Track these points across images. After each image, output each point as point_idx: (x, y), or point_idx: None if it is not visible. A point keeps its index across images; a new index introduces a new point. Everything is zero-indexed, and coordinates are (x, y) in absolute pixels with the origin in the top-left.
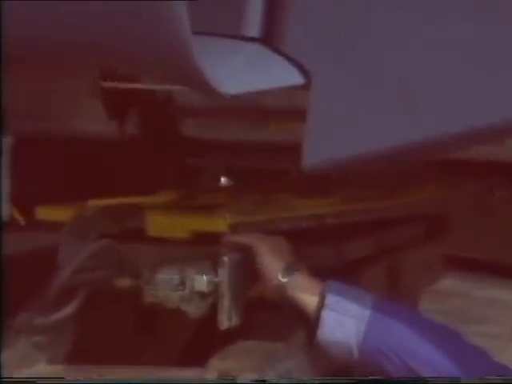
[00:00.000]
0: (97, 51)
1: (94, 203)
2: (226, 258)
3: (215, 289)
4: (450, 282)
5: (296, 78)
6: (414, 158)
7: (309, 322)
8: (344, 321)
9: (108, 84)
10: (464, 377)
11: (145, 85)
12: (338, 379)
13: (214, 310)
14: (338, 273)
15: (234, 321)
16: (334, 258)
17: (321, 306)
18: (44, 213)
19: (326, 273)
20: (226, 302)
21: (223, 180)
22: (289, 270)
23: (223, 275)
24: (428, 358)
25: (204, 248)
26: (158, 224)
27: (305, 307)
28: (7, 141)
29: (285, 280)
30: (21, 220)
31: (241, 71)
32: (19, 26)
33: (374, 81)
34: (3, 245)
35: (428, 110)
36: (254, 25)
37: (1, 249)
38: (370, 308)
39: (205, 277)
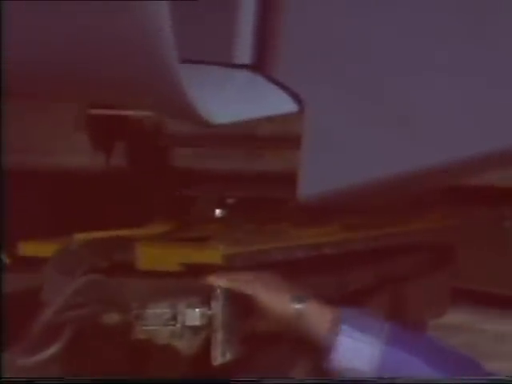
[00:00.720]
0: (82, 80)
1: (81, 236)
2: (219, 290)
3: (208, 323)
4: (457, 316)
5: (290, 106)
6: (416, 185)
7: (321, 349)
8: (360, 347)
9: (95, 111)
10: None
11: (133, 112)
12: (337, 379)
13: (207, 345)
14: (338, 305)
15: (229, 356)
16: (334, 289)
17: (336, 331)
18: (28, 248)
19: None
20: (219, 337)
21: (218, 212)
22: (300, 297)
23: (217, 308)
24: None
25: (196, 281)
26: (149, 256)
27: (318, 334)
28: None
29: (299, 306)
30: (5, 258)
31: (232, 100)
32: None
33: (372, 107)
34: None
35: (431, 135)
36: (244, 51)
37: None
38: (385, 338)
39: (197, 310)
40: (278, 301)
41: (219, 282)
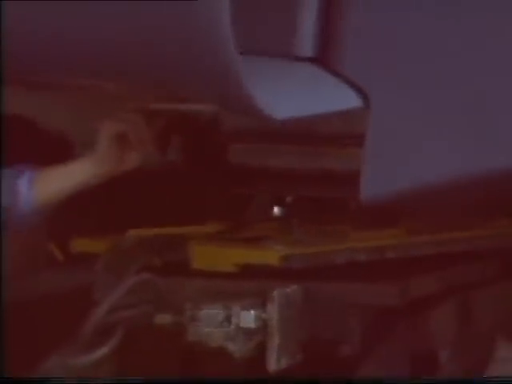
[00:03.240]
0: (145, 73)
1: (134, 234)
2: (275, 293)
3: (263, 326)
4: None
5: (353, 101)
6: (486, 188)
7: None
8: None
9: (154, 106)
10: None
11: (191, 106)
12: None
13: (262, 350)
14: (402, 312)
15: (285, 362)
16: (397, 295)
17: None
18: (81, 245)
19: (388, 312)
20: (275, 341)
21: (275, 210)
22: None
23: (272, 311)
24: None
25: (252, 282)
26: (203, 256)
27: None
28: None
29: None
30: (58, 255)
31: (293, 94)
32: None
33: (440, 106)
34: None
35: (502, 137)
36: (307, 44)
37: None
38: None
39: (252, 312)
40: None
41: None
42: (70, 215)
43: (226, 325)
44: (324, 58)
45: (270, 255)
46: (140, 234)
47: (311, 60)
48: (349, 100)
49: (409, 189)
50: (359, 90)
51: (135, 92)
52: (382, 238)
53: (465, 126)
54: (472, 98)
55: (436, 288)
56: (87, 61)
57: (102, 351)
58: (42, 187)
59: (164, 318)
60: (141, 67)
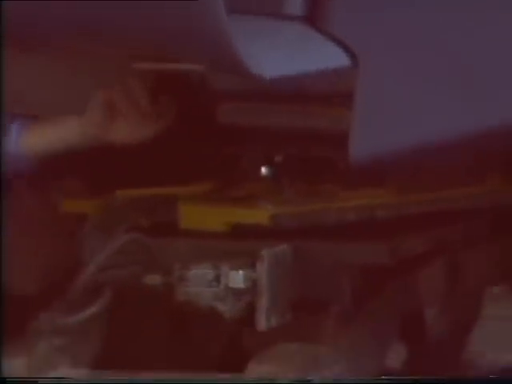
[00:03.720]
0: (130, 31)
1: (123, 194)
2: (264, 253)
3: (253, 286)
4: None
5: (342, 60)
6: (475, 147)
7: None
8: None
9: (139, 65)
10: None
11: (179, 65)
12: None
13: (251, 310)
14: (392, 272)
15: (274, 321)
16: (387, 255)
17: None
18: (69, 206)
19: (378, 271)
20: (264, 301)
21: (264, 170)
22: None
23: (262, 271)
24: None
25: (241, 242)
26: (192, 216)
27: None
28: None
29: None
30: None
31: (281, 52)
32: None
33: (429, 65)
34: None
35: (491, 97)
36: (295, 2)
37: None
38: None
39: (241, 272)
40: None
41: None
42: (58, 176)
43: (215, 285)
44: (312, 17)
45: (260, 214)
46: (129, 194)
47: (300, 19)
48: (337, 59)
49: (398, 148)
50: (347, 49)
51: (124, 52)
52: (372, 197)
53: (454, 84)
54: (461, 57)
55: (426, 247)
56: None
57: (91, 311)
58: (30, 137)
59: (153, 278)
60: (129, 28)
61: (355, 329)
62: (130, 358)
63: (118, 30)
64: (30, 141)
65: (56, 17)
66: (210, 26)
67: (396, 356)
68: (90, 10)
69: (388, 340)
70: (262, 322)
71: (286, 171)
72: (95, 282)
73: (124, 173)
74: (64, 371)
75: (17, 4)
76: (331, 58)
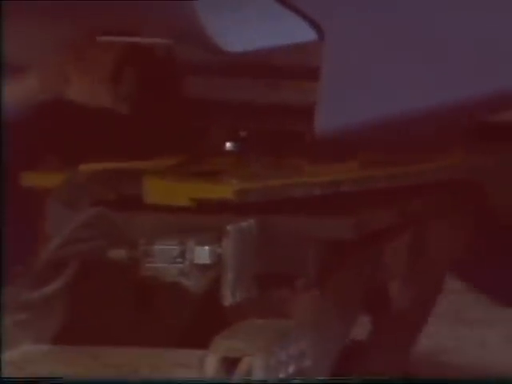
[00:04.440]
0: (97, 4)
1: (86, 168)
2: (230, 228)
3: (218, 261)
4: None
5: (308, 35)
6: (439, 121)
7: None
8: None
9: (104, 39)
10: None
11: (144, 39)
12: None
13: (217, 285)
14: (356, 245)
15: (239, 296)
16: (352, 229)
17: None
18: (32, 179)
19: (343, 245)
20: (229, 276)
21: (228, 145)
22: None
23: (227, 246)
24: None
25: (207, 217)
26: (157, 190)
27: None
28: None
29: None
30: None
31: (247, 26)
32: None
33: (394, 37)
34: None
35: (455, 69)
36: None
37: None
38: None
39: (207, 248)
40: None
41: None
42: (21, 149)
43: (180, 260)
44: None
45: (226, 189)
46: (93, 167)
47: None
48: (303, 33)
49: (363, 122)
50: (313, 22)
51: (89, 25)
52: (338, 171)
53: (420, 57)
54: (429, 27)
55: (391, 221)
56: None
57: (55, 285)
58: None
59: (118, 253)
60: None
61: (321, 303)
62: (95, 333)
63: (84, 3)
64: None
65: None
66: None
67: (361, 330)
68: None
69: (353, 314)
70: (228, 297)
71: (252, 145)
72: (59, 257)
73: (88, 146)
74: (26, 347)
75: None
76: (297, 31)
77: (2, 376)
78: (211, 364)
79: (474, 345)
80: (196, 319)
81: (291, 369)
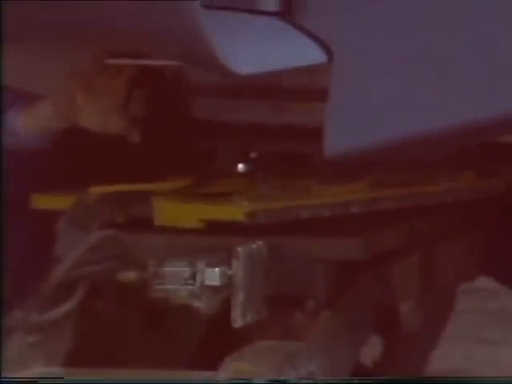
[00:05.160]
0: (103, 26)
1: (97, 190)
2: (240, 249)
3: (229, 283)
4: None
5: (317, 56)
6: (449, 142)
7: None
8: None
9: (114, 61)
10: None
11: (153, 61)
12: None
13: (227, 307)
14: (366, 267)
15: (250, 318)
16: (361, 250)
17: None
18: (42, 201)
19: (352, 266)
20: (240, 298)
21: (240, 166)
22: None
23: (237, 268)
24: None
25: (217, 238)
26: (167, 212)
27: None
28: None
29: None
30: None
31: (257, 48)
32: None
33: (404, 60)
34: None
35: (466, 93)
36: None
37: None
38: None
39: (217, 269)
40: None
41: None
42: (31, 170)
43: (190, 282)
44: (288, 12)
45: (235, 211)
46: (103, 189)
47: (275, 14)
48: (312, 55)
49: (372, 143)
50: (322, 44)
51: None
52: (347, 192)
53: (429, 79)
54: (437, 52)
55: (400, 241)
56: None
57: (65, 308)
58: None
59: (128, 275)
60: (106, 24)
61: (330, 325)
62: (105, 355)
63: (94, 25)
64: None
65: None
66: (186, 21)
67: (371, 351)
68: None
69: (363, 335)
70: (238, 319)
71: (262, 167)
72: (69, 279)
73: (98, 168)
74: (37, 369)
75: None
76: (306, 53)
77: (2, 376)
78: None
79: (488, 365)
80: (206, 341)
81: None
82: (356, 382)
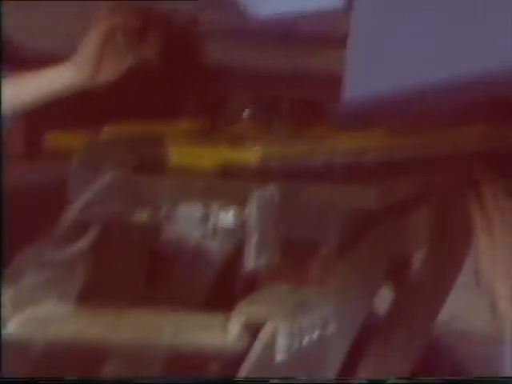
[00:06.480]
0: None
1: (110, 129)
2: (255, 193)
3: (242, 226)
4: None
5: (336, 1)
6: (466, 93)
7: None
8: None
9: (130, 4)
10: None
11: (167, 3)
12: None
13: (240, 250)
14: (379, 215)
15: (263, 262)
16: (374, 199)
17: None
18: (55, 140)
19: (366, 214)
20: (253, 241)
21: (253, 111)
22: None
23: (251, 211)
24: None
25: (231, 182)
26: (181, 153)
27: None
28: None
29: None
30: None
31: None
32: None
33: (424, 8)
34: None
35: (484, 44)
36: None
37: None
38: None
39: (231, 212)
40: None
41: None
42: (46, 110)
43: (203, 223)
44: None
45: (251, 155)
46: (116, 130)
47: None
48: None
49: (391, 91)
50: None
51: None
52: (362, 139)
53: (447, 29)
54: (456, 2)
55: (414, 191)
56: None
57: (77, 247)
58: (12, 92)
59: (140, 216)
60: None
61: (343, 271)
62: (117, 294)
63: None
64: (13, 96)
65: None
66: None
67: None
68: None
69: (376, 284)
70: (251, 263)
71: (277, 112)
72: (82, 219)
73: (112, 110)
74: (49, 306)
75: None
76: None
77: (2, 376)
78: (234, 328)
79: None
80: (219, 283)
81: (314, 335)
82: (356, 382)
